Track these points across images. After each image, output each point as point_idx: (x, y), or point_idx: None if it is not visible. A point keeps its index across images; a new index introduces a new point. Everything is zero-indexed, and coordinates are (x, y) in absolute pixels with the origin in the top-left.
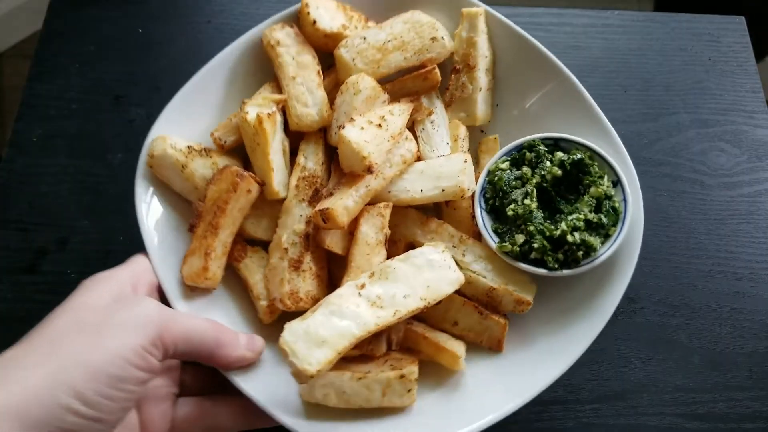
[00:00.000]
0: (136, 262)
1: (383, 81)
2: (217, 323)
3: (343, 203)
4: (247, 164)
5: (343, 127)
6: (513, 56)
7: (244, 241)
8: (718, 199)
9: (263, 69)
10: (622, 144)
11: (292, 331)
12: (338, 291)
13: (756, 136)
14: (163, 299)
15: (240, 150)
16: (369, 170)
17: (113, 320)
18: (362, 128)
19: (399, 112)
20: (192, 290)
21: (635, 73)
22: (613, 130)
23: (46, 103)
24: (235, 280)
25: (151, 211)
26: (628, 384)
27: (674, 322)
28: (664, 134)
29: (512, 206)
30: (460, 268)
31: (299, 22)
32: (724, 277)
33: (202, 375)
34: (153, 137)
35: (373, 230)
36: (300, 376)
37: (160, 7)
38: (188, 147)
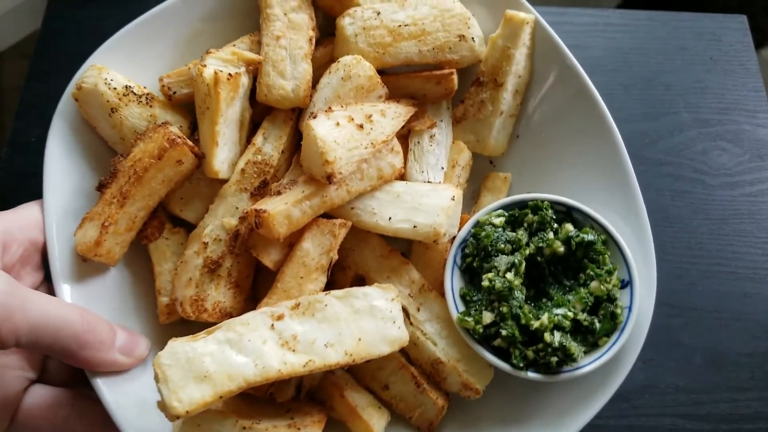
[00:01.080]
0: (24, 210)
1: (386, 72)
2: (88, 314)
3: (286, 210)
4: (196, 128)
5: (314, 117)
6: (554, 88)
7: (167, 217)
8: (720, 199)
9: (250, 16)
10: (650, 232)
11: (172, 351)
12: (246, 316)
13: (758, 136)
14: (46, 263)
15: (194, 107)
16: (329, 179)
17: None
18: (337, 124)
19: (393, 115)
20: (85, 261)
21: (636, 73)
22: (646, 216)
23: (45, 102)
24: (143, 260)
25: (64, 154)
26: (629, 385)
27: (676, 323)
28: (665, 134)
29: (490, 275)
30: (410, 324)
31: None
32: (726, 277)
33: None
34: (89, 65)
35: (317, 250)
36: (166, 411)
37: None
38: (126, 87)
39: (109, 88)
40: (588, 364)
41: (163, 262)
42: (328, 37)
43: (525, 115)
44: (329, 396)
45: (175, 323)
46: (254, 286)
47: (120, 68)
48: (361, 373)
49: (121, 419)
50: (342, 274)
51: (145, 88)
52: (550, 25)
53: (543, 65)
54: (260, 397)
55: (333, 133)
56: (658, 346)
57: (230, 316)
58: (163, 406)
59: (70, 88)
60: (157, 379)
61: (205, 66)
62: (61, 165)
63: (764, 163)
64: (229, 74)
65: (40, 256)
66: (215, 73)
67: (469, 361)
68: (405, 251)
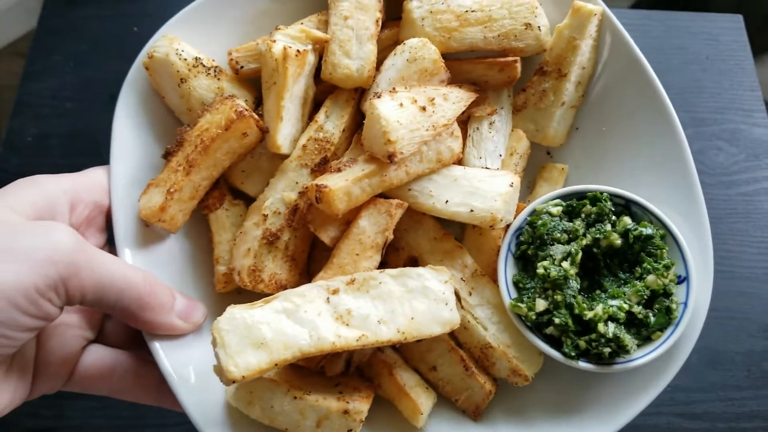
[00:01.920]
0: (91, 173)
1: (450, 57)
2: (149, 276)
3: (346, 187)
4: (261, 103)
5: (378, 96)
6: (618, 82)
7: (228, 189)
8: (716, 198)
9: None
10: (709, 230)
11: (231, 317)
12: (303, 288)
13: (753, 135)
14: (111, 230)
15: (259, 83)
16: (390, 158)
17: (12, 244)
18: (401, 105)
19: (455, 100)
20: (147, 226)
21: None
22: (705, 214)
23: (40, 102)
24: (203, 230)
25: (131, 123)
26: None
27: None
28: None
29: (545, 263)
30: (461, 308)
31: None
32: (722, 276)
33: (128, 325)
34: (160, 35)
35: (373, 228)
36: (222, 375)
37: (155, 6)
38: (196, 59)
39: (180, 59)
40: (641, 357)
41: (222, 232)
42: (393, 20)
43: (586, 108)
44: (378, 373)
45: (231, 293)
46: (309, 261)
47: (190, 41)
48: (410, 354)
49: (176, 382)
50: (395, 255)
51: (213, 61)
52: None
53: (608, 58)
54: (311, 369)
55: (396, 113)
56: None
57: (285, 288)
58: (219, 370)
59: (141, 56)
60: (214, 343)
61: (274, 41)
62: (128, 134)
63: (760, 163)
64: (297, 51)
65: (104, 219)
66: (284, 48)
67: (519, 347)
68: (458, 236)
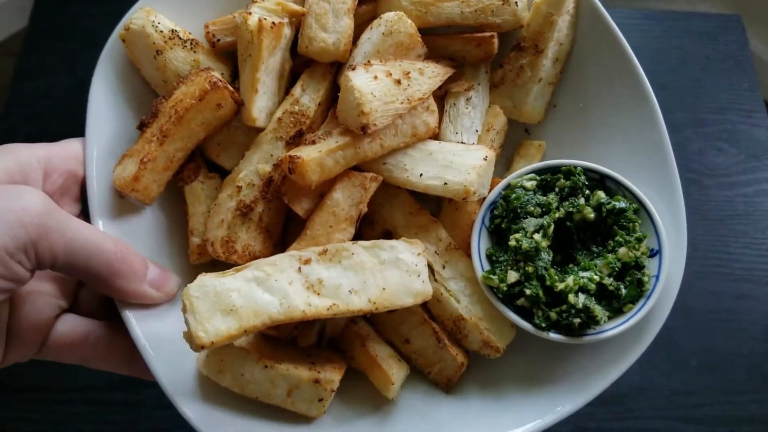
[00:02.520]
0: (67, 143)
1: (426, 32)
2: (122, 244)
3: (319, 158)
4: (238, 77)
5: (353, 69)
6: (595, 58)
7: (203, 162)
8: (716, 200)
9: None
10: (683, 205)
11: (201, 284)
12: (275, 258)
13: (753, 136)
14: (85, 201)
15: (235, 57)
16: (363, 130)
17: None
18: (375, 78)
19: (431, 74)
20: (122, 198)
21: None
22: (680, 189)
23: (32, 101)
24: (178, 203)
25: (108, 95)
26: (625, 387)
27: (671, 324)
28: None
29: (518, 236)
30: (434, 281)
31: None
32: (722, 278)
33: (101, 295)
34: (137, 7)
35: (347, 201)
36: (191, 341)
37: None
38: (172, 31)
39: (156, 31)
40: (612, 328)
41: (197, 204)
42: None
43: (564, 85)
44: (350, 345)
45: (205, 265)
46: (283, 235)
47: (167, 15)
48: (382, 326)
49: (147, 350)
50: (369, 229)
51: (190, 34)
52: None
53: (585, 35)
54: (283, 340)
55: (370, 85)
56: (653, 347)
57: (259, 258)
58: (188, 336)
59: (118, 29)
60: (184, 309)
61: (250, 14)
62: (105, 106)
63: (760, 164)
64: (273, 23)
65: (78, 189)
66: (259, 20)
67: (491, 319)
68: (434, 212)
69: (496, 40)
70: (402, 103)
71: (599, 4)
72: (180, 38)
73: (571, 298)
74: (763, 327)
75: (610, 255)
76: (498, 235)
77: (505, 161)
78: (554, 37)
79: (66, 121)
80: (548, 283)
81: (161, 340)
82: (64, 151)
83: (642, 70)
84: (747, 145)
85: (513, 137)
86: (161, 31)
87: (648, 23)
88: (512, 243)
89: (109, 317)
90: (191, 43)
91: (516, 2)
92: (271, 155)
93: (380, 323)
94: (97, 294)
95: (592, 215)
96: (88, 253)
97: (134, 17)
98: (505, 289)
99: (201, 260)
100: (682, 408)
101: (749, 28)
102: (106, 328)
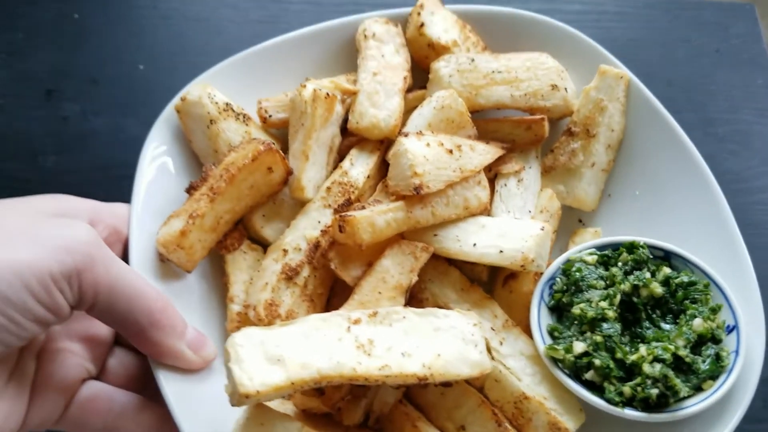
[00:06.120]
0: (114, 204)
1: (476, 117)
2: (164, 297)
3: (371, 216)
4: (285, 153)
5: (406, 136)
6: (646, 144)
7: (245, 233)
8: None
9: (349, 62)
10: (757, 285)
11: (247, 334)
12: (323, 314)
13: None
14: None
15: (286, 136)
16: (417, 190)
17: (31, 230)
18: (428, 145)
19: (482, 151)
20: (162, 262)
21: (634, 67)
22: (751, 266)
23: None
24: (217, 274)
25: (156, 162)
26: None
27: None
28: None
29: (582, 305)
30: (491, 358)
31: (406, 24)
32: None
33: (132, 366)
34: (195, 83)
35: (397, 269)
36: (234, 393)
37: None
38: (227, 104)
39: (211, 102)
40: (693, 405)
41: (238, 273)
42: (420, 87)
43: (617, 174)
44: (399, 428)
45: None
46: (328, 306)
47: (221, 91)
48: (435, 412)
49: (181, 416)
50: (418, 306)
51: (243, 109)
52: (537, 12)
53: (637, 123)
54: (327, 414)
55: (423, 150)
56: None
57: None
58: (231, 388)
59: (174, 101)
60: (227, 359)
61: (305, 86)
62: (153, 173)
63: None
64: (327, 93)
65: (121, 248)
66: (314, 90)
67: (558, 400)
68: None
69: (546, 123)
70: (454, 171)
71: (648, 93)
72: (233, 111)
73: (646, 367)
74: None
75: (684, 326)
76: (559, 312)
77: (558, 251)
78: (605, 122)
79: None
80: (618, 355)
81: (196, 405)
82: (110, 209)
83: (696, 150)
84: (762, 147)
85: (567, 226)
86: (216, 103)
87: (653, 13)
88: (576, 311)
89: (139, 390)
90: (243, 117)
91: (566, 88)
92: (319, 221)
93: (431, 408)
94: (127, 365)
95: (659, 290)
96: (131, 296)
97: (191, 90)
98: (571, 360)
99: (239, 328)
100: None
101: (763, 19)
102: (135, 397)
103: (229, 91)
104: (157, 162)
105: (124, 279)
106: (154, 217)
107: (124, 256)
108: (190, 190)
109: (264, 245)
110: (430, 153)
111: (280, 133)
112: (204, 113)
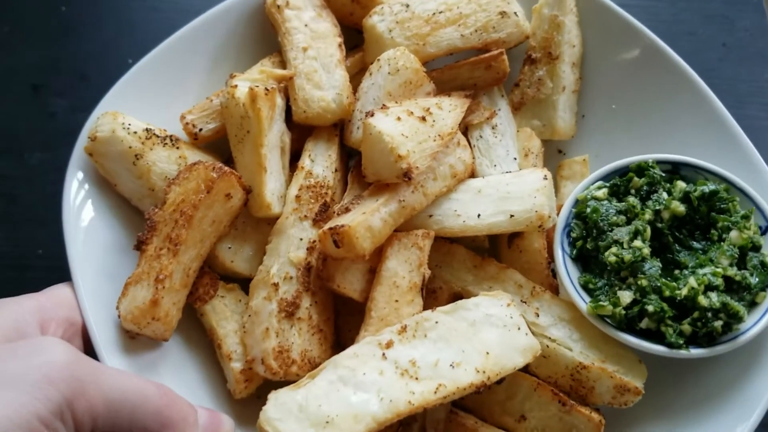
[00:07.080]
0: (53, 291)
1: (427, 68)
2: (165, 388)
3: (365, 221)
4: (230, 165)
5: (372, 115)
6: (609, 52)
7: (215, 275)
8: None
9: (264, 40)
10: None
11: (279, 403)
12: (351, 349)
13: None
14: (89, 350)
15: (222, 146)
16: (406, 176)
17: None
18: (398, 119)
19: (449, 108)
20: (133, 338)
21: None
22: (761, 159)
23: None
24: (199, 331)
25: (83, 221)
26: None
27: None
28: None
29: (614, 249)
30: (532, 333)
31: None
32: None
33: None
34: (99, 113)
35: (404, 267)
36: None
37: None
38: (147, 130)
39: (129, 134)
40: (753, 325)
41: (224, 323)
42: (352, 49)
43: (586, 91)
44: None
45: (251, 398)
46: (336, 331)
47: (133, 114)
48: (487, 410)
49: None
50: (433, 299)
51: (165, 130)
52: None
53: (594, 32)
54: None
55: (397, 127)
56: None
57: (320, 364)
58: None
59: (81, 141)
60: None
61: (236, 87)
62: (83, 238)
63: None
64: (266, 89)
65: (81, 341)
66: (250, 89)
67: (616, 359)
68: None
69: (505, 57)
70: (434, 140)
71: None
72: (156, 135)
73: (702, 300)
74: None
75: (723, 243)
76: (584, 260)
77: None
78: (565, 39)
79: None
80: (667, 294)
81: None
82: (53, 299)
83: (667, 46)
84: None
85: (547, 162)
86: (135, 132)
87: (656, 5)
88: (611, 259)
89: None
90: (171, 139)
91: (515, 12)
92: (300, 239)
93: (481, 406)
94: None
95: (681, 208)
96: (132, 404)
97: (98, 124)
98: (622, 314)
99: (248, 391)
100: None
101: None
102: None
103: (140, 109)
104: (83, 222)
105: (119, 388)
106: (102, 290)
107: (87, 347)
108: (139, 246)
109: (237, 279)
110: (405, 128)
111: (217, 144)
112: (124, 149)
